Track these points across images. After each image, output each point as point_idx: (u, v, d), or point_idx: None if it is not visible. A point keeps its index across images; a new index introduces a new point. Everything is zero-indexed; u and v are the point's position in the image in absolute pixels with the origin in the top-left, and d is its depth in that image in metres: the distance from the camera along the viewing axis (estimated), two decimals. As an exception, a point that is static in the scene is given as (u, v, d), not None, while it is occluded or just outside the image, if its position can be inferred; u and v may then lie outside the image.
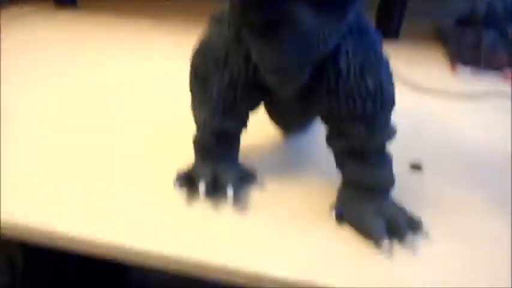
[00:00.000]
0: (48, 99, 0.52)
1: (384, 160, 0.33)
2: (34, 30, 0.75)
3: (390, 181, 0.33)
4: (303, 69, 0.29)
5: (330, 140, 0.34)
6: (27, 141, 0.43)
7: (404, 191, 0.36)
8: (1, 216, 0.33)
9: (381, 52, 0.30)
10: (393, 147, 0.34)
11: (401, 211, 0.33)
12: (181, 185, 0.34)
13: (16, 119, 0.47)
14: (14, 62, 0.62)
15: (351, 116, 0.31)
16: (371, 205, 0.33)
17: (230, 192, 0.34)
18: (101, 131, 0.45)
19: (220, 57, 0.31)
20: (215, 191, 0.35)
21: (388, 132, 0.32)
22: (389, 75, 0.31)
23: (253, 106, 0.35)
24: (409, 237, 0.31)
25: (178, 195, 0.35)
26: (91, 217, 0.34)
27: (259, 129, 0.45)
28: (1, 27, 0.74)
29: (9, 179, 0.37)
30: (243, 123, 0.36)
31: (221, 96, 0.32)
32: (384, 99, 0.30)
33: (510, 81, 0.61)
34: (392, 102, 0.31)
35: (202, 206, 0.35)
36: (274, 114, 0.42)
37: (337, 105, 0.30)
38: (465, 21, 0.81)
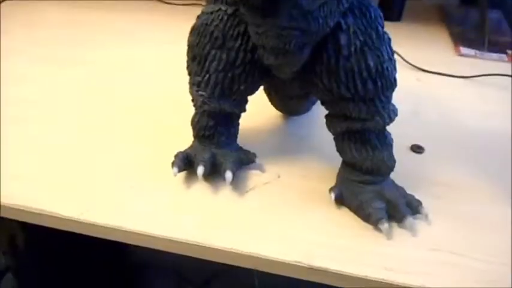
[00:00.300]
0: (47, 82, 0.51)
1: (384, 142, 0.33)
2: (34, 14, 0.74)
3: (390, 164, 0.33)
4: (303, 49, 0.29)
5: (330, 121, 0.34)
6: (26, 124, 0.43)
7: (405, 173, 0.36)
8: (2, 198, 0.33)
9: (382, 30, 0.29)
10: (394, 129, 0.33)
11: (401, 193, 0.33)
12: (179, 168, 0.34)
13: (15, 103, 0.46)
14: (14, 45, 0.61)
15: (351, 97, 0.30)
16: (371, 187, 0.33)
17: (229, 174, 0.33)
18: (99, 116, 0.45)
19: (217, 37, 0.31)
20: (214, 173, 0.35)
21: (389, 113, 0.31)
22: (391, 55, 0.30)
23: (252, 88, 0.34)
24: (409, 219, 0.31)
25: (177, 177, 0.35)
26: (90, 199, 0.33)
27: (258, 111, 0.44)
28: (1, 14, 0.73)
29: (10, 161, 0.37)
30: (242, 105, 0.35)
31: (219, 77, 0.32)
32: (384, 80, 0.30)
33: (514, 62, 0.60)
34: (393, 83, 0.30)
35: (201, 188, 0.35)
36: (274, 96, 0.41)
37: (337, 86, 0.30)
38: (469, 1, 0.80)
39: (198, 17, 0.32)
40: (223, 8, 0.31)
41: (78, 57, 0.58)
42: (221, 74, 0.32)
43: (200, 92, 0.33)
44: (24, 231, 0.60)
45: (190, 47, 0.32)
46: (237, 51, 0.31)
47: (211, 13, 0.31)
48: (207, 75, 0.32)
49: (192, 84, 0.34)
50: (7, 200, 0.33)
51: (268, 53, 0.29)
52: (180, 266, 0.92)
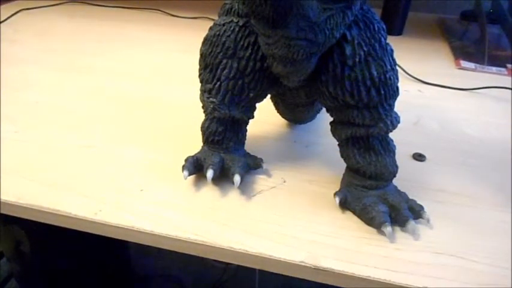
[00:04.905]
0: (60, 88, 0.53)
1: (387, 148, 0.34)
2: (46, 24, 0.76)
3: (393, 169, 0.34)
4: (310, 58, 0.30)
5: (335, 128, 0.35)
6: (41, 127, 0.44)
7: (407, 179, 0.37)
8: (16, 199, 0.35)
9: (385, 42, 0.31)
10: (397, 138, 0.35)
11: (404, 198, 0.34)
12: (189, 171, 0.35)
13: (30, 107, 0.48)
14: (26, 53, 0.63)
15: (356, 104, 0.32)
16: (374, 192, 0.34)
17: (237, 178, 0.35)
18: (111, 121, 0.46)
19: (229, 47, 0.32)
20: (222, 177, 0.36)
21: (392, 120, 0.32)
22: (393, 65, 0.31)
23: (261, 95, 0.35)
24: (411, 223, 0.32)
25: (187, 180, 0.36)
26: (103, 200, 0.35)
27: (266, 119, 0.46)
28: (15, 23, 0.75)
29: (25, 162, 0.39)
30: (250, 111, 0.37)
31: (229, 85, 0.33)
32: (387, 88, 0.31)
33: (513, 76, 0.62)
34: (395, 92, 0.32)
35: (209, 191, 0.36)
36: (280, 104, 0.43)
37: (342, 94, 0.31)
38: (469, 17, 0.82)
39: (211, 28, 0.34)
40: (235, 20, 0.32)
41: (90, 64, 0.59)
42: (232, 81, 0.33)
43: (211, 99, 0.34)
44: (29, 238, 0.61)
45: (203, 56, 0.34)
46: (247, 60, 0.32)
47: (223, 25, 0.33)
48: (218, 83, 0.33)
49: (203, 91, 0.35)
50: (22, 201, 0.34)
51: (277, 62, 0.31)
52: (182, 277, 0.92)
